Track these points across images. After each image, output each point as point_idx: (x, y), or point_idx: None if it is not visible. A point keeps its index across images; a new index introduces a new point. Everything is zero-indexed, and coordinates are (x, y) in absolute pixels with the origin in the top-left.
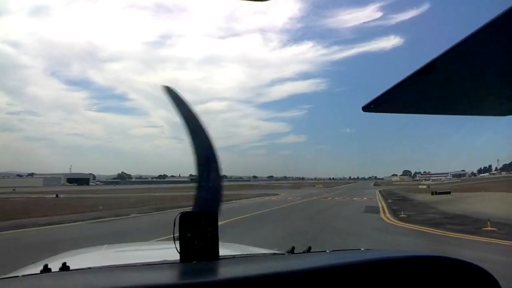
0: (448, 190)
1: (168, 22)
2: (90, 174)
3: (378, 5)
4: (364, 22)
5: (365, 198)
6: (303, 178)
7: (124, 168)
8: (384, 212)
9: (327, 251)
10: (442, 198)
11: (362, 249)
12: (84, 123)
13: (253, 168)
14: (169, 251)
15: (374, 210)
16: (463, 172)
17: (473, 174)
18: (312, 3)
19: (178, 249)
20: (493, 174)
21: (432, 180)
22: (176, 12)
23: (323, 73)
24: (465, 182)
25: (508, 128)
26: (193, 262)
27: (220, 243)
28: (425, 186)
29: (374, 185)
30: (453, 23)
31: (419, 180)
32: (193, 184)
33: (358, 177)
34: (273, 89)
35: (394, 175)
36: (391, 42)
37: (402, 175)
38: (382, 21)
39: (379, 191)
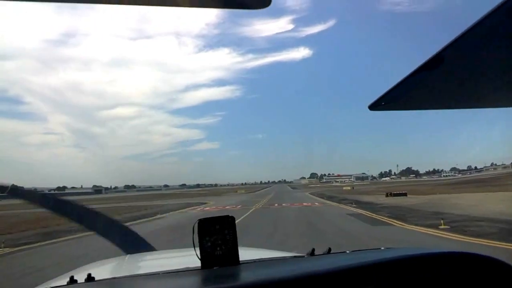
0: (404, 192)
1: (72, 19)
2: None
3: (290, 17)
4: (277, 33)
5: (316, 204)
6: (216, 185)
7: (14, 180)
8: (398, 223)
9: (347, 251)
10: (413, 200)
11: (382, 248)
12: None
13: (164, 176)
14: (191, 258)
15: (372, 220)
16: (365, 175)
17: (373, 177)
18: (229, 10)
19: (199, 256)
20: (393, 178)
21: (341, 182)
22: (82, 9)
23: (238, 80)
24: (378, 185)
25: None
26: (215, 268)
27: (239, 248)
28: (349, 188)
29: (293, 188)
30: (357, 38)
31: (330, 182)
32: (97, 196)
33: (269, 181)
34: (187, 95)
35: (302, 178)
36: (301, 53)
37: (309, 177)
38: (293, 33)
39: (311, 194)
